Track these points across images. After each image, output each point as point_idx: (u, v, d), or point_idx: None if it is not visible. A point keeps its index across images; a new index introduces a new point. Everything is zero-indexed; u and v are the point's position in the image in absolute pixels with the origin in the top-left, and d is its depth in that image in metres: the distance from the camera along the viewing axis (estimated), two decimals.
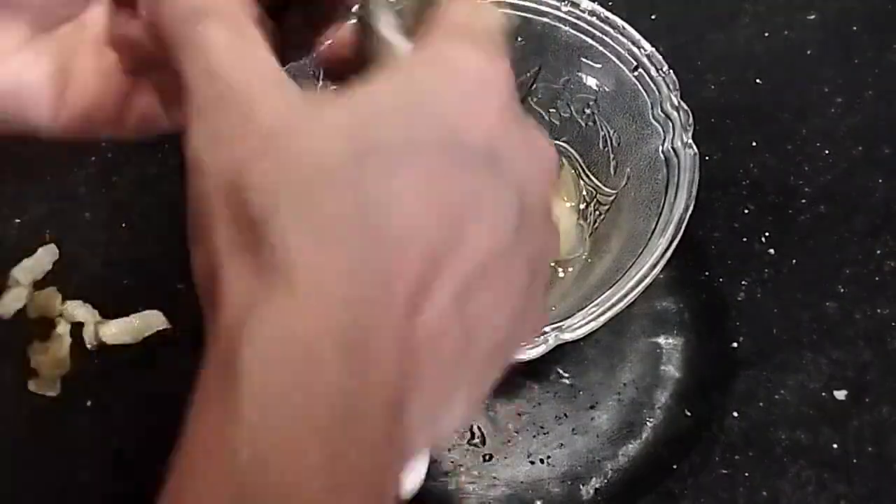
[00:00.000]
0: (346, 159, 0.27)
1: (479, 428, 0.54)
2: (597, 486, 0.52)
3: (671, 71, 0.54)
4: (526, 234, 0.30)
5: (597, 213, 0.57)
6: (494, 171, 0.29)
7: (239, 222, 0.28)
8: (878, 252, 0.58)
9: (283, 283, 0.27)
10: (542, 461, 0.53)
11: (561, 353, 0.51)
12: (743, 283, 0.57)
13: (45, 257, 0.60)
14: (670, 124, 0.53)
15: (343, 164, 0.27)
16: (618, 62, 0.55)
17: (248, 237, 0.27)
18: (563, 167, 0.59)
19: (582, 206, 0.58)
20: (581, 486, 0.52)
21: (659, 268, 0.48)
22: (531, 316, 0.32)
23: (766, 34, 0.67)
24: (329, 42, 0.36)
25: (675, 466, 0.52)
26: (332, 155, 0.27)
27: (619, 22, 0.56)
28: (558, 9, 0.56)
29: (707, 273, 0.58)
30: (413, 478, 0.49)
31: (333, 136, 0.28)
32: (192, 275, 0.31)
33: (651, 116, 0.54)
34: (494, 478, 0.52)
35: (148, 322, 0.57)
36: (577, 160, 0.58)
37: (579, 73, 0.57)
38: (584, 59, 0.57)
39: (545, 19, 0.57)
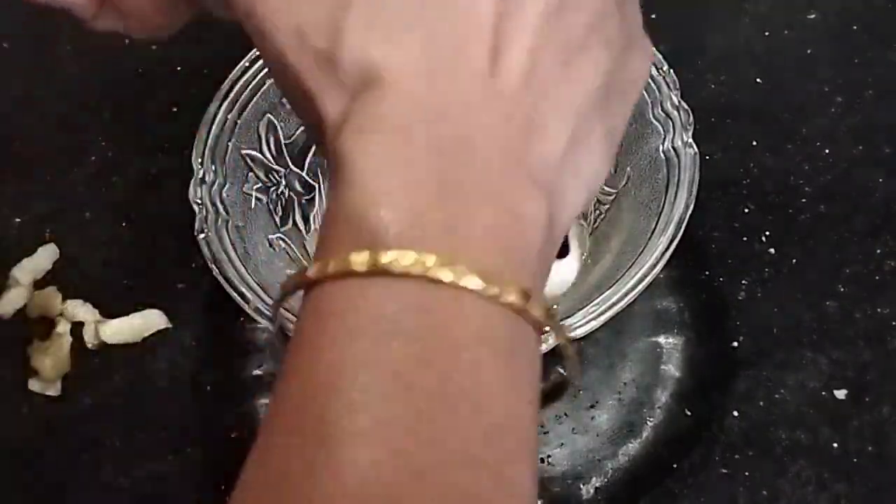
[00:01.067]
0: None
1: None
2: (597, 485, 0.52)
3: (671, 70, 0.54)
4: None
5: (597, 212, 0.57)
6: None
7: (318, 62, 0.30)
8: (879, 252, 0.58)
9: (368, 87, 0.29)
10: (542, 460, 0.53)
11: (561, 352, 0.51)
12: (743, 282, 0.57)
13: (45, 257, 0.60)
14: (670, 123, 0.53)
15: None
16: None
17: (330, 69, 0.30)
18: None
19: None
20: (581, 486, 0.52)
21: (659, 267, 0.48)
22: (636, 44, 0.33)
23: (767, 33, 0.67)
24: None
25: (675, 466, 0.52)
26: None
27: None
28: None
29: (707, 272, 0.58)
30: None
31: None
32: (295, 112, 0.34)
33: (651, 115, 0.54)
34: None
35: (148, 321, 0.57)
36: None
37: None
38: None
39: None
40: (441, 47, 0.29)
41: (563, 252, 0.42)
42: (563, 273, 0.52)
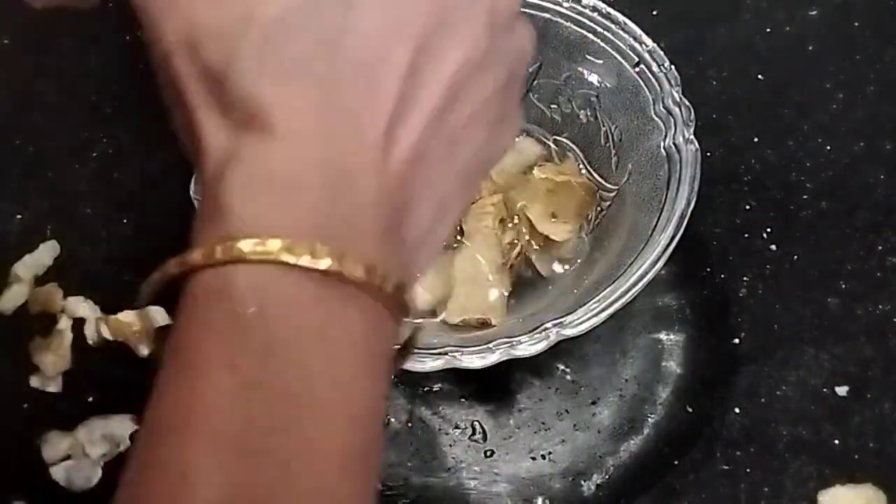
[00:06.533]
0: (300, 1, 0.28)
1: (480, 424, 0.54)
2: (598, 481, 0.52)
3: (672, 67, 0.54)
4: (498, 42, 0.30)
5: (598, 209, 0.57)
6: None
7: (206, 78, 0.28)
8: (880, 248, 0.58)
9: (257, 128, 0.27)
10: (543, 457, 0.53)
11: (562, 349, 0.51)
12: (744, 279, 0.57)
13: (46, 253, 0.60)
14: (672, 120, 0.53)
15: (298, 5, 0.28)
16: (619, 58, 0.55)
17: (217, 90, 0.28)
18: (568, 159, 0.59)
19: None
20: (582, 482, 0.52)
21: (660, 264, 0.48)
22: (510, 121, 0.33)
23: (768, 30, 0.67)
24: None
25: (676, 462, 0.52)
26: None
27: (621, 18, 0.56)
28: (560, 4, 0.56)
29: (708, 269, 0.58)
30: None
31: None
32: (176, 133, 0.31)
33: (653, 112, 0.54)
34: (496, 474, 0.52)
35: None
36: (578, 156, 0.58)
37: (581, 69, 0.57)
38: (585, 55, 0.57)
39: (546, 15, 0.57)
40: (338, 110, 0.28)
41: None
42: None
